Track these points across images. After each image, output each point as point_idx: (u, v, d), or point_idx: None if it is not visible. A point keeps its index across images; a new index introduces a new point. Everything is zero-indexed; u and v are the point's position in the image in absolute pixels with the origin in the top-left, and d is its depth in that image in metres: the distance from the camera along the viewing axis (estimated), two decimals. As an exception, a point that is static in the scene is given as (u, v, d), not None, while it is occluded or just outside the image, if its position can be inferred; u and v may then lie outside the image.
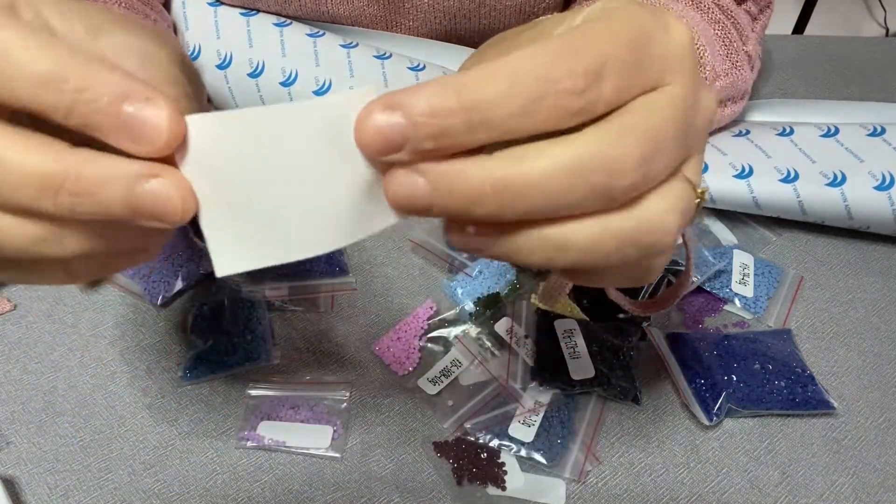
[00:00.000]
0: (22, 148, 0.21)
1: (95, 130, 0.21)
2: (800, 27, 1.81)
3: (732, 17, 0.53)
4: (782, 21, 1.83)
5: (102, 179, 0.21)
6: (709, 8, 0.52)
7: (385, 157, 0.21)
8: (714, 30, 0.51)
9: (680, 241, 0.35)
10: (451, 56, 0.58)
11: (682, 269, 0.49)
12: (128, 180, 0.21)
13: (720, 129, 0.57)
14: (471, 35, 0.59)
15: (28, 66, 0.20)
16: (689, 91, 0.24)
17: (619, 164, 0.22)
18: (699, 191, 0.26)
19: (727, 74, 0.51)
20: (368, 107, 0.21)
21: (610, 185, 0.22)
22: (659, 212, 0.24)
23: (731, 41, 0.52)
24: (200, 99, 0.33)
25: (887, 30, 2.04)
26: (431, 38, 0.59)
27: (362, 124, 0.21)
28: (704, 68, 0.47)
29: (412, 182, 0.21)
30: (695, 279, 0.49)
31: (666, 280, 0.49)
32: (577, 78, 0.21)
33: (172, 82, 0.27)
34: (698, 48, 0.46)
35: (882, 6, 2.05)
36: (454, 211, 0.22)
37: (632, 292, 0.47)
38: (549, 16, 0.28)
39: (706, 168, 0.52)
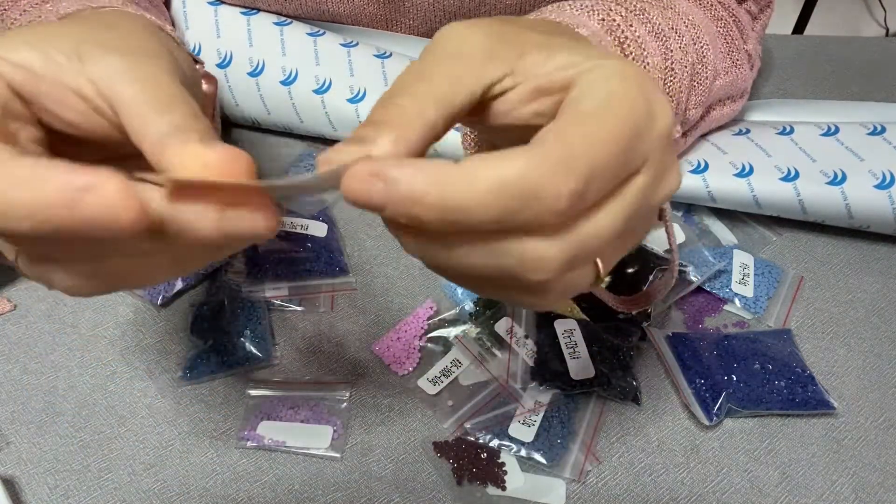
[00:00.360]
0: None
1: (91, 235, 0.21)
2: (800, 27, 1.81)
3: (734, 15, 0.53)
4: (782, 21, 1.83)
5: (188, 222, 0.22)
6: (712, 5, 0.52)
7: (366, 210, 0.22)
8: (717, 27, 0.51)
9: (664, 231, 0.36)
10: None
11: (668, 267, 0.49)
12: (211, 215, 0.22)
13: (720, 128, 0.57)
14: None
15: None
16: (652, 179, 0.25)
17: (541, 263, 0.23)
18: (600, 277, 0.27)
19: (727, 73, 0.51)
20: (357, 170, 0.21)
21: (529, 280, 0.23)
22: (552, 298, 0.25)
23: (732, 39, 0.52)
24: (206, 107, 0.33)
25: (887, 30, 2.04)
26: (431, 37, 0.59)
27: (349, 185, 0.22)
28: (706, 67, 0.47)
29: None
30: (694, 279, 0.49)
31: (651, 277, 0.49)
32: (562, 199, 0.21)
33: (171, 102, 0.26)
34: (701, 48, 0.46)
35: (882, 6, 2.05)
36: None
37: (614, 289, 0.47)
38: (563, 21, 0.27)
39: (707, 167, 0.52)
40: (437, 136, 0.25)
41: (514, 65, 0.26)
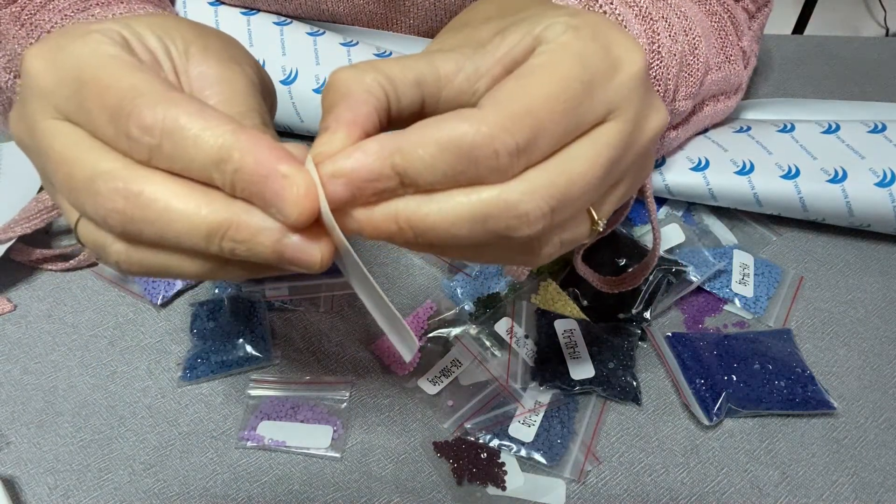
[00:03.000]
0: (189, 200, 0.23)
1: (254, 202, 0.23)
2: (800, 27, 1.80)
3: (730, 11, 0.53)
4: (782, 21, 1.83)
5: (256, 229, 0.23)
6: (707, 0, 0.52)
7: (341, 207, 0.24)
8: (711, 21, 0.51)
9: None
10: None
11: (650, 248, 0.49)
12: (276, 231, 0.23)
13: (720, 125, 0.57)
14: None
15: (202, 148, 0.23)
16: (630, 124, 0.26)
17: (525, 218, 0.24)
18: (596, 222, 0.28)
19: (720, 68, 0.51)
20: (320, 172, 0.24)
21: (511, 236, 0.24)
22: (547, 250, 0.27)
23: (726, 34, 0.52)
24: (272, 109, 0.35)
25: (887, 30, 2.04)
26: (431, 35, 0.59)
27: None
28: (697, 59, 0.47)
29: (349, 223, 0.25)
30: (695, 279, 0.49)
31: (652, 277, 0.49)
32: (500, 158, 0.23)
33: (250, 112, 0.28)
34: (693, 39, 0.46)
35: (882, 6, 2.05)
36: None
37: (608, 271, 0.47)
38: (514, 21, 0.28)
39: (707, 164, 0.52)
40: (384, 106, 0.26)
41: (469, 59, 0.27)
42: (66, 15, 0.41)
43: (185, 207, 0.23)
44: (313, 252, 0.24)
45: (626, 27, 0.42)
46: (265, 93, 0.32)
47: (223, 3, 0.57)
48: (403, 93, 0.26)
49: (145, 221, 0.23)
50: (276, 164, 0.22)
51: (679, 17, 0.46)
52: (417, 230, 0.24)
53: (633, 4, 0.43)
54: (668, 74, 0.44)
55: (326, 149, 0.24)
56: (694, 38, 0.47)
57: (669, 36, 0.44)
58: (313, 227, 0.24)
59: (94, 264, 0.52)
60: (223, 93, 0.28)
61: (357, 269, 0.26)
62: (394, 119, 0.27)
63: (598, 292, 0.47)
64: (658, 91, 0.44)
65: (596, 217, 0.28)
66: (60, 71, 0.25)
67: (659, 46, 0.43)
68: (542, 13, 0.27)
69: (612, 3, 0.42)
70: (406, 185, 0.24)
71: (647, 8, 0.44)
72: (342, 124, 0.25)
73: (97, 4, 0.42)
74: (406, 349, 0.28)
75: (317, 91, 0.54)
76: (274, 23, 0.56)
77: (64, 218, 0.30)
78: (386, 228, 0.24)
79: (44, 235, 0.53)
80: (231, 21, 0.56)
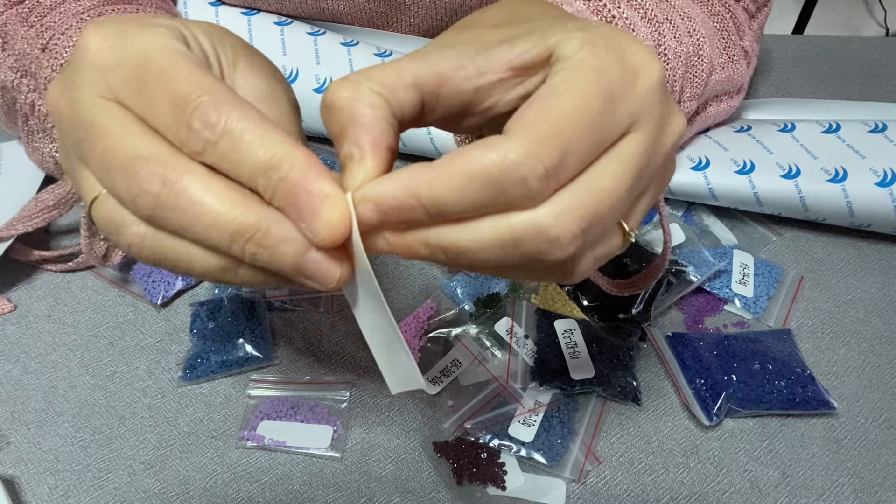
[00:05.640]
0: (225, 197, 0.23)
1: (288, 214, 0.24)
2: (800, 27, 1.81)
3: (731, 11, 0.53)
4: (782, 21, 1.83)
5: (283, 238, 0.23)
6: (709, 0, 0.52)
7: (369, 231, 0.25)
8: (713, 22, 0.51)
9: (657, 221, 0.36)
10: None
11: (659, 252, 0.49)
12: (302, 245, 0.24)
13: (721, 124, 0.57)
14: None
15: (256, 153, 0.23)
16: (652, 133, 0.26)
17: (556, 242, 0.24)
18: (627, 233, 0.28)
19: (723, 68, 0.51)
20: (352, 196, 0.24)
21: (543, 259, 0.24)
22: (582, 268, 0.27)
23: (728, 34, 0.52)
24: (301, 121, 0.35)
25: (887, 30, 2.04)
26: (432, 34, 0.59)
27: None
28: (702, 60, 0.46)
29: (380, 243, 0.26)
30: (694, 279, 0.49)
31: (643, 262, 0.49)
32: (529, 184, 0.23)
33: (289, 125, 0.29)
34: (697, 40, 0.46)
35: (882, 6, 2.05)
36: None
37: (610, 273, 0.47)
38: (524, 31, 0.28)
39: (708, 163, 0.52)
40: (390, 114, 0.26)
41: (471, 59, 0.27)
42: (81, 18, 0.41)
43: (218, 204, 0.23)
44: (333, 271, 0.24)
45: (633, 29, 0.42)
46: (299, 113, 0.32)
47: (223, 2, 0.57)
48: (402, 98, 0.26)
49: (175, 209, 0.24)
50: (320, 182, 0.23)
51: (683, 19, 0.46)
52: (449, 253, 0.24)
53: (638, 7, 0.44)
54: (674, 76, 0.44)
55: (362, 178, 0.24)
56: (698, 40, 0.47)
57: (675, 38, 0.44)
58: (336, 247, 0.24)
59: (92, 266, 0.52)
60: (270, 111, 0.28)
61: (373, 296, 0.25)
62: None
63: (599, 292, 0.47)
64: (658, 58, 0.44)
65: (627, 228, 0.27)
66: (121, 54, 0.25)
67: (665, 49, 0.43)
68: (552, 25, 0.27)
69: (619, 7, 0.42)
70: (434, 215, 0.24)
71: (652, 10, 0.44)
72: (366, 150, 0.25)
73: (113, 11, 0.42)
74: (410, 383, 0.27)
75: (317, 91, 0.54)
76: (274, 23, 0.56)
77: (77, 192, 0.30)
78: (417, 250, 0.25)
79: (44, 235, 0.53)
80: (231, 21, 0.56)
